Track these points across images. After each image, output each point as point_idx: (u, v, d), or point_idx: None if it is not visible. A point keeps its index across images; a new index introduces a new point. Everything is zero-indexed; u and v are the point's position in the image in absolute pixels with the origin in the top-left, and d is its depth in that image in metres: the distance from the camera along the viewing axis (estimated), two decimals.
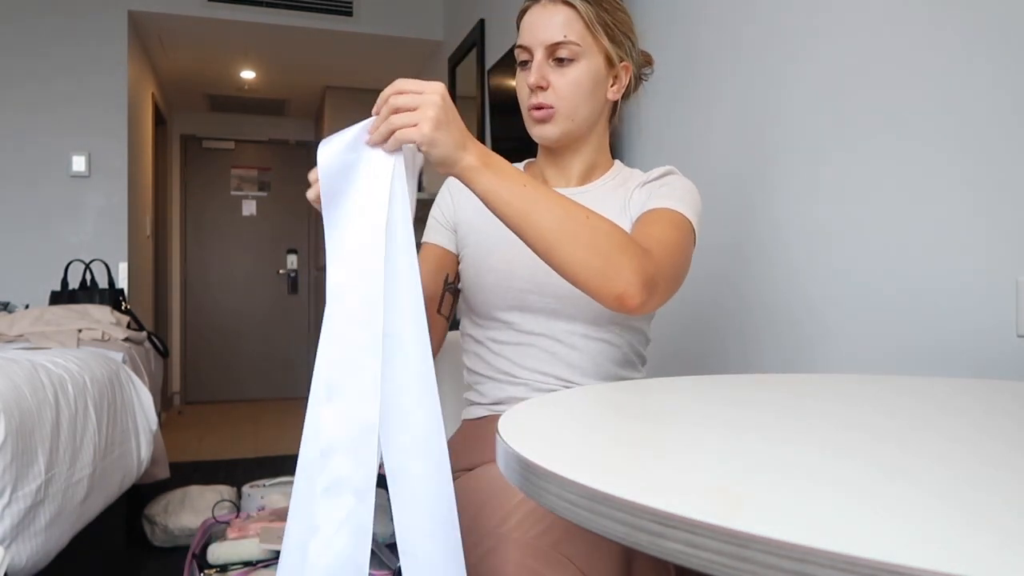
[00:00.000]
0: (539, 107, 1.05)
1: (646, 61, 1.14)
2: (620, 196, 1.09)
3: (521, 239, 0.84)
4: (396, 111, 0.77)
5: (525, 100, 1.07)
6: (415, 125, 0.77)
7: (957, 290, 1.09)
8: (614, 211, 1.07)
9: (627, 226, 1.06)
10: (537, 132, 1.07)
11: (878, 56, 1.24)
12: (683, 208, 1.00)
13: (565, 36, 1.02)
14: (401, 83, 0.78)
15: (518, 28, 1.08)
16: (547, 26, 1.03)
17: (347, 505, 0.76)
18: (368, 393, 0.76)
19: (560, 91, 1.03)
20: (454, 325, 1.19)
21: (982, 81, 1.06)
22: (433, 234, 1.15)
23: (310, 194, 0.82)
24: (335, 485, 0.77)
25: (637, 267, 0.83)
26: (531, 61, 1.05)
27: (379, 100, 0.79)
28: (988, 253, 1.05)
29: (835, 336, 1.32)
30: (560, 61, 1.03)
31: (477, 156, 0.81)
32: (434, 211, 1.16)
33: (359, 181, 0.80)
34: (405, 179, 0.80)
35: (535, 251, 0.84)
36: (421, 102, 0.77)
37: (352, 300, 0.78)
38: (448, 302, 1.11)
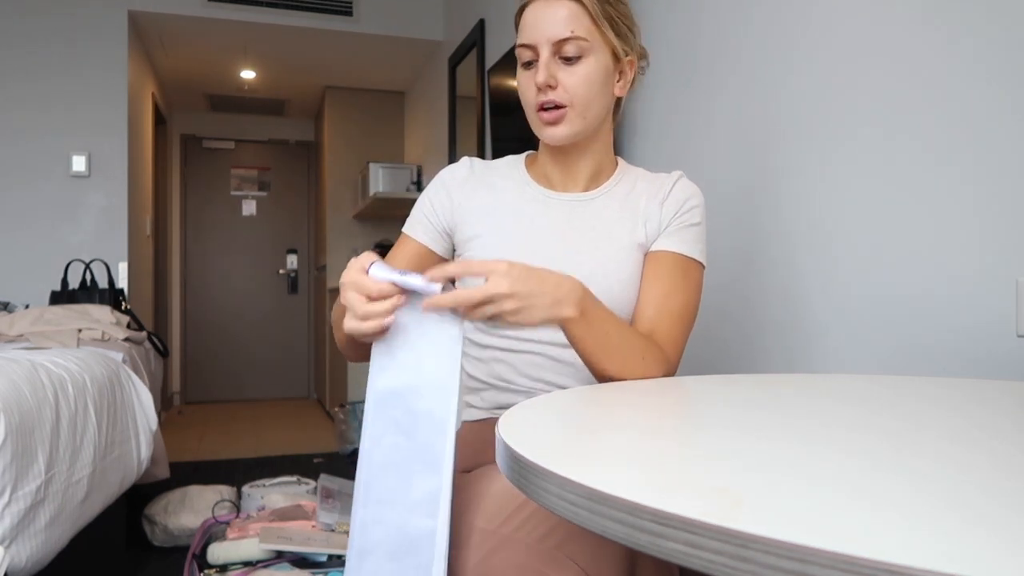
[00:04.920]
0: (548, 107, 1.01)
1: (642, 55, 1.11)
2: (629, 206, 1.08)
3: (581, 359, 0.91)
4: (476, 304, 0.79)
5: (531, 101, 1.03)
6: (498, 315, 0.79)
7: (957, 290, 1.09)
8: (624, 222, 1.06)
9: (641, 234, 1.06)
10: (548, 134, 1.03)
11: (878, 57, 1.24)
12: (697, 253, 1.05)
13: (572, 32, 0.98)
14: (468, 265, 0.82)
15: (517, 26, 1.04)
16: (552, 22, 0.99)
17: None
18: (418, 504, 0.79)
19: (570, 89, 1.00)
20: None
21: (982, 81, 1.06)
22: (420, 230, 1.11)
23: (359, 325, 0.82)
24: None
25: (657, 376, 0.94)
26: (536, 60, 1.01)
27: (441, 272, 0.81)
28: (988, 253, 1.05)
29: (834, 336, 1.32)
30: (568, 59, 0.99)
31: (574, 307, 0.85)
32: (424, 206, 1.11)
33: (422, 338, 0.83)
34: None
35: (588, 366, 0.92)
36: (495, 292, 0.79)
37: (397, 410, 0.81)
38: None
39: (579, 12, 0.99)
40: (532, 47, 1.01)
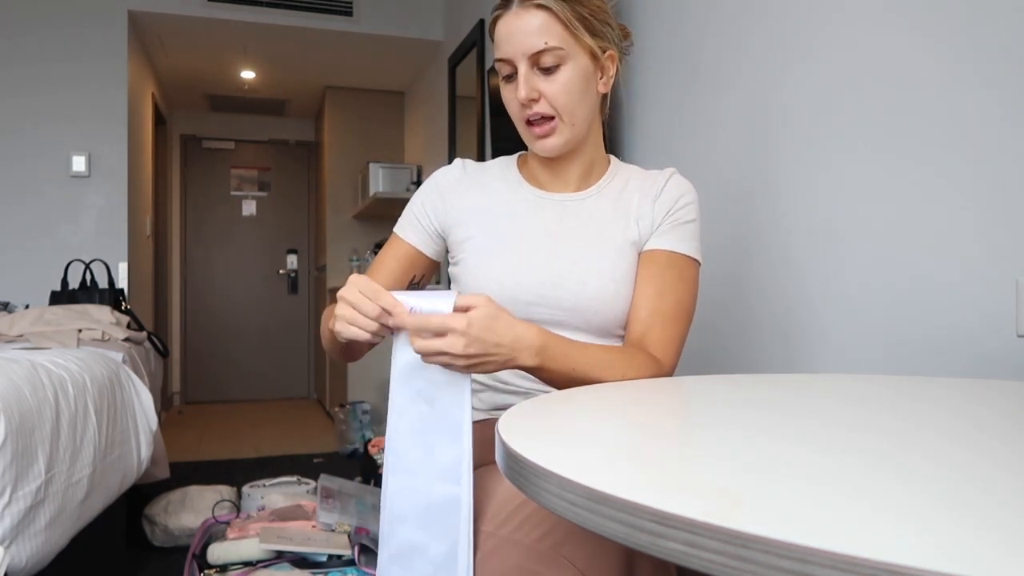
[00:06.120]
0: (536, 121, 1.01)
1: (624, 36, 1.09)
2: (622, 204, 1.07)
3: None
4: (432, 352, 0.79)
5: (517, 114, 1.03)
6: (452, 365, 0.80)
7: (957, 290, 1.09)
8: (617, 221, 1.06)
9: (634, 232, 1.06)
10: (540, 147, 1.04)
11: (880, 57, 1.24)
12: (692, 250, 1.05)
13: (546, 43, 0.97)
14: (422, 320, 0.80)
15: (492, 38, 1.04)
16: (525, 34, 0.98)
17: (423, 573, 0.82)
18: (442, 472, 0.82)
19: (553, 99, 1.00)
20: None
21: (982, 81, 1.06)
22: (411, 232, 1.11)
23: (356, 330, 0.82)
24: (402, 553, 0.83)
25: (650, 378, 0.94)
26: (515, 74, 1.00)
27: (413, 325, 0.80)
28: (988, 253, 1.05)
29: (835, 336, 1.32)
30: (546, 69, 0.99)
31: (532, 358, 0.85)
32: (416, 208, 1.11)
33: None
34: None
35: None
36: (448, 351, 0.78)
37: (420, 380, 0.84)
38: None
39: (550, 20, 0.97)
40: (509, 61, 1.00)
